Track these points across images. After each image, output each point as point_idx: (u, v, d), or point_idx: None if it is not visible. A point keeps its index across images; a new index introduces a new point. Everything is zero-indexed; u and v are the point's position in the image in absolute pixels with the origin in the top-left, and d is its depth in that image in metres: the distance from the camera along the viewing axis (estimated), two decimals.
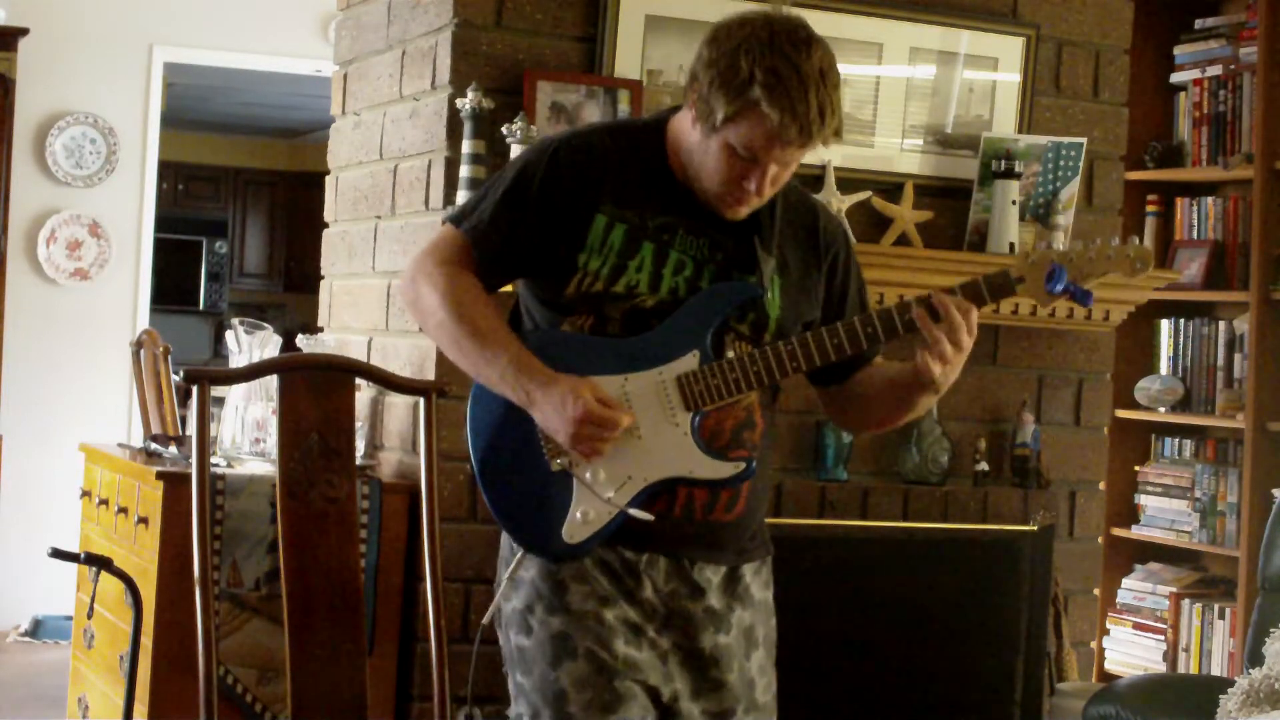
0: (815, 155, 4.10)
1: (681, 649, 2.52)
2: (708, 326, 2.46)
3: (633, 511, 2.45)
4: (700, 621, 2.53)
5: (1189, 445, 5.49)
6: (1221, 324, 5.37)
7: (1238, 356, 5.29)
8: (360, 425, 3.91)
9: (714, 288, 2.48)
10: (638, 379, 2.46)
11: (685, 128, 2.48)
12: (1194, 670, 5.26)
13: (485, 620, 2.62)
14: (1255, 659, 3.81)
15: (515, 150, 3.71)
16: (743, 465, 2.46)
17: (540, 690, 2.48)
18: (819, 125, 2.35)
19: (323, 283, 4.62)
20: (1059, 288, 2.44)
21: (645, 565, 2.50)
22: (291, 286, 11.95)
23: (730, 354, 2.47)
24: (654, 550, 2.51)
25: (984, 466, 4.33)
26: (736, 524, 2.54)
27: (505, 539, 2.61)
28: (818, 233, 2.61)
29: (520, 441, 2.50)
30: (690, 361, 2.44)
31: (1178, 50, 5.57)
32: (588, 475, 2.46)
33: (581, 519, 2.46)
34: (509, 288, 2.70)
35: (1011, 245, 4.18)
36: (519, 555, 2.54)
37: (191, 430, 3.13)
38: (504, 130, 3.77)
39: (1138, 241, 2.48)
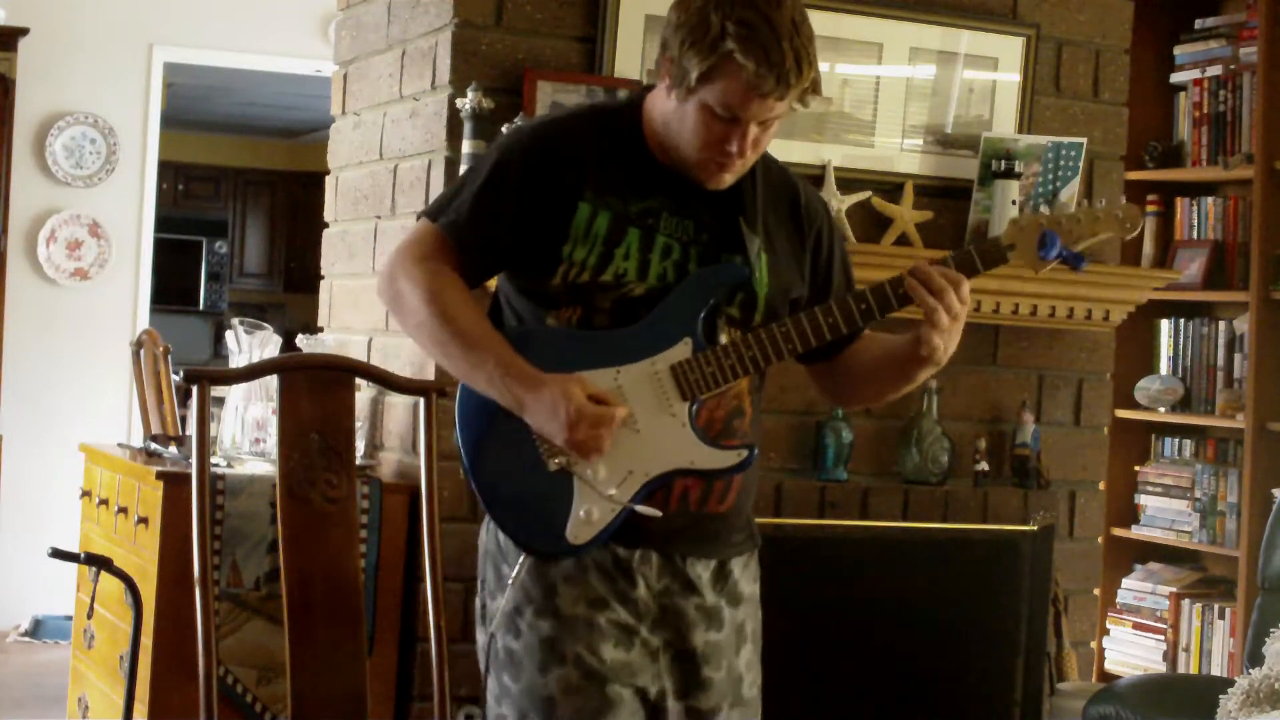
0: (816, 155, 4.15)
1: (672, 647, 2.48)
2: (698, 312, 2.40)
3: (641, 509, 2.39)
4: (692, 619, 2.49)
5: (1189, 445, 5.49)
6: (1221, 324, 5.37)
7: (1238, 356, 5.29)
8: (360, 425, 3.91)
9: (701, 272, 2.42)
10: (630, 371, 2.40)
11: (660, 102, 2.42)
12: (1194, 670, 5.26)
13: (492, 626, 2.52)
14: (1255, 659, 3.81)
15: None
16: (745, 453, 2.42)
17: (529, 695, 2.44)
18: (795, 74, 2.29)
19: (323, 283, 4.62)
20: (1052, 253, 2.41)
21: (638, 562, 2.46)
22: (291, 286, 11.95)
23: (724, 339, 2.42)
24: (646, 546, 2.46)
25: (984, 466, 4.33)
26: (727, 515, 2.51)
27: (489, 532, 2.55)
28: (800, 208, 2.55)
29: (514, 441, 2.43)
30: (683, 350, 2.39)
31: (1178, 50, 5.57)
32: (588, 473, 2.40)
33: (585, 518, 2.40)
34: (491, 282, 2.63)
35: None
36: (522, 560, 2.47)
37: (191, 430, 3.13)
38: (503, 130, 3.76)
39: (1124, 201, 2.45)
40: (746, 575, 2.58)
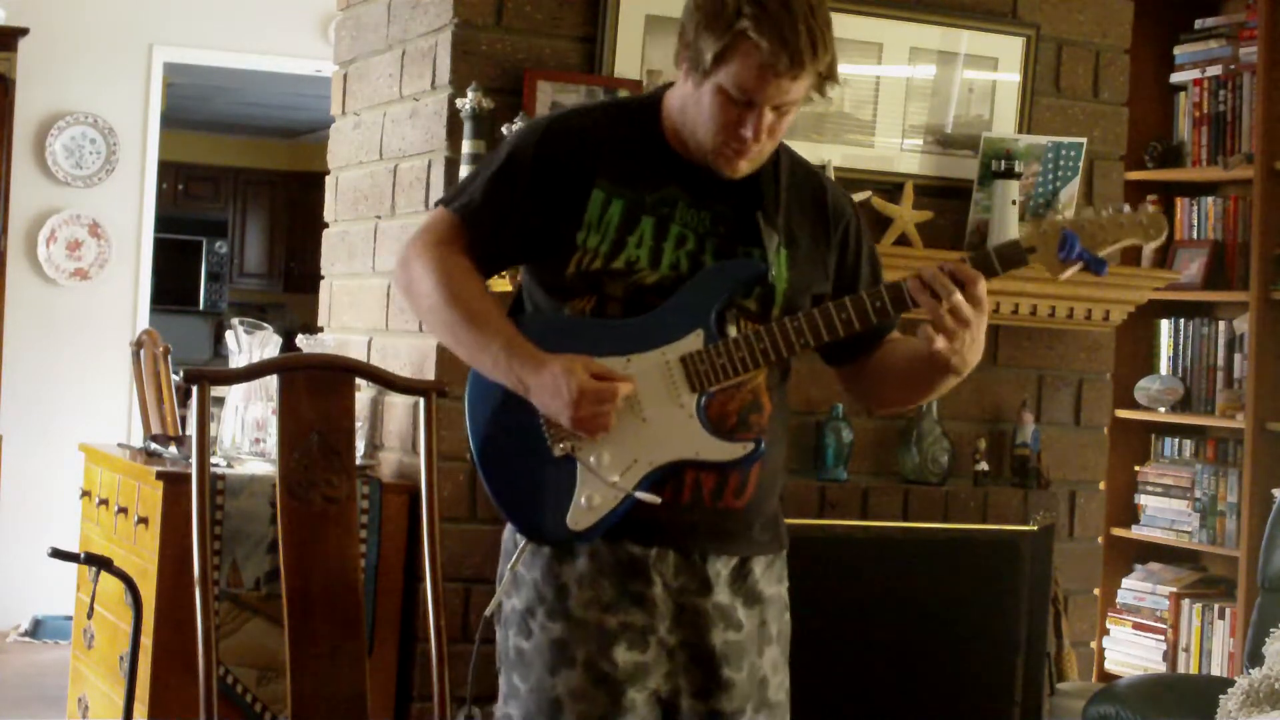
0: (816, 155, 4.15)
1: (689, 646, 2.46)
2: (712, 304, 2.40)
3: (640, 495, 2.39)
4: (710, 618, 2.46)
5: (1189, 445, 5.49)
6: (1221, 324, 5.37)
7: (1238, 356, 5.29)
8: (360, 425, 3.91)
9: (719, 265, 2.43)
10: (641, 360, 2.40)
11: (679, 96, 2.43)
12: (1194, 670, 5.26)
13: (488, 612, 2.55)
14: (1255, 659, 3.81)
15: None
16: (751, 446, 2.41)
17: (536, 696, 2.44)
18: (810, 54, 2.30)
19: (323, 283, 4.63)
20: (1073, 255, 2.37)
21: (655, 560, 2.44)
22: (291, 286, 11.94)
23: (733, 332, 2.41)
24: (663, 544, 2.44)
25: (984, 466, 4.33)
26: (746, 511, 2.48)
27: (509, 530, 2.54)
28: (826, 204, 2.55)
29: (520, 426, 2.43)
30: (694, 341, 2.39)
31: (1178, 50, 5.57)
32: (592, 459, 2.40)
33: (587, 504, 2.40)
34: (507, 285, 2.65)
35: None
36: (521, 546, 2.47)
37: (191, 430, 3.13)
38: (504, 130, 3.77)
39: (1150, 208, 2.42)
40: (769, 575, 2.55)
